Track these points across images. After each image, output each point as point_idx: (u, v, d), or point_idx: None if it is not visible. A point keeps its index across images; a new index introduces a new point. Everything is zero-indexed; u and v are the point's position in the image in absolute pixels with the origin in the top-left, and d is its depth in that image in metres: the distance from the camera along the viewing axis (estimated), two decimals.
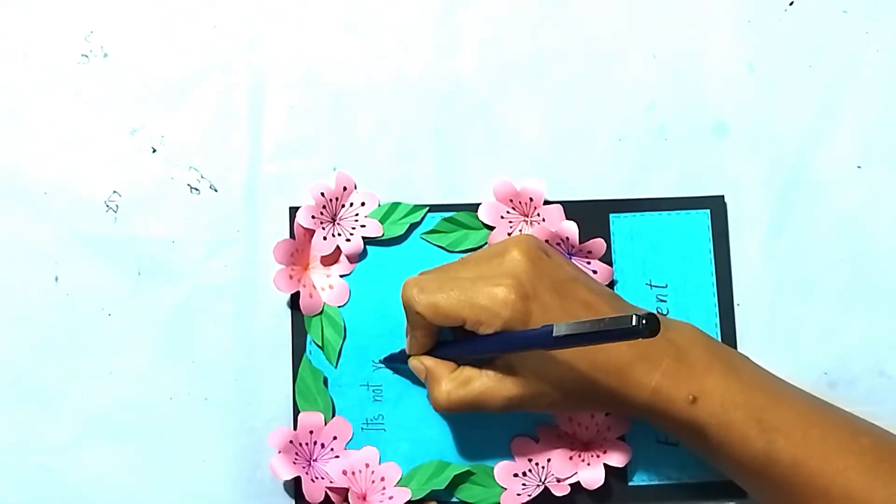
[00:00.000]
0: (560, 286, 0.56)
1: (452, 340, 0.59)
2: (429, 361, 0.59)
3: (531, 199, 0.63)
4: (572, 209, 0.63)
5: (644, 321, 0.46)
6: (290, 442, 0.60)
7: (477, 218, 0.63)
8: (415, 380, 0.62)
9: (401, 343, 0.62)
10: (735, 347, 0.63)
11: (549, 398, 0.57)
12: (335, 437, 0.61)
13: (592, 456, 0.60)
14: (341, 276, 0.63)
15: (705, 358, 0.57)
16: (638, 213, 0.64)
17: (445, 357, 0.59)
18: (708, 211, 0.64)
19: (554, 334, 0.49)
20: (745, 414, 0.55)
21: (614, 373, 0.55)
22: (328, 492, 0.60)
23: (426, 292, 0.56)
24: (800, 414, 0.56)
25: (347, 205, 0.63)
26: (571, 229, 0.62)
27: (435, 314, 0.56)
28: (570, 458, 0.60)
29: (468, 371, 0.58)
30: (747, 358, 0.59)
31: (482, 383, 0.57)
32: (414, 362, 0.60)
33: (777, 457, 0.55)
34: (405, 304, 0.57)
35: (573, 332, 0.49)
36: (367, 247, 0.63)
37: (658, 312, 0.62)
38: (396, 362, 0.62)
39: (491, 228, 0.63)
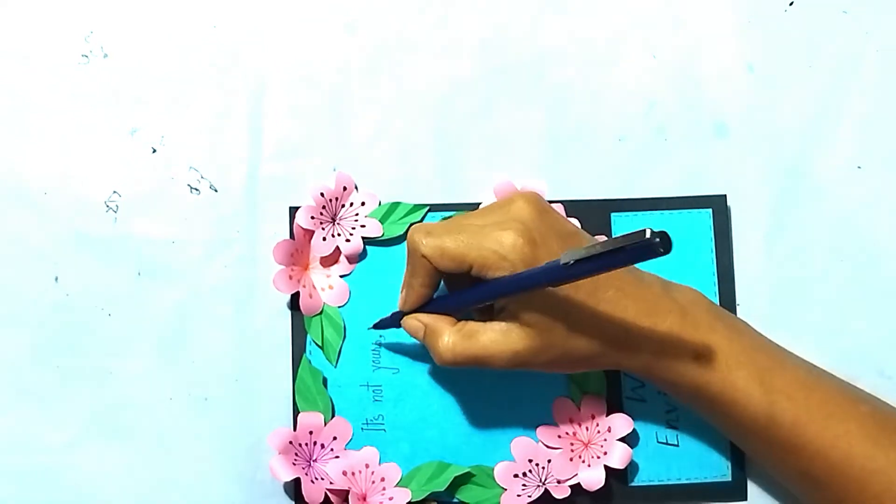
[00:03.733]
0: (566, 237, 0.56)
1: (454, 293, 0.58)
2: (426, 318, 0.58)
3: None
4: (574, 208, 0.63)
5: (657, 239, 0.44)
6: (290, 443, 0.60)
7: None
8: (408, 346, 0.62)
9: (404, 340, 0.62)
10: None
11: (554, 352, 0.55)
12: (335, 438, 0.61)
13: (593, 457, 0.60)
14: (341, 277, 0.63)
15: (708, 318, 0.57)
16: (640, 213, 0.64)
17: (444, 311, 0.58)
18: (710, 210, 0.64)
19: (563, 262, 0.48)
20: (748, 374, 0.56)
21: (620, 327, 0.55)
22: (328, 493, 0.60)
23: (433, 235, 0.56)
24: (801, 378, 0.57)
25: (347, 205, 0.63)
26: None
27: (441, 257, 0.55)
28: (571, 458, 0.60)
29: (471, 325, 0.57)
30: (747, 323, 0.60)
31: (488, 337, 0.56)
32: (410, 321, 0.59)
33: (779, 418, 0.55)
34: (410, 248, 0.56)
35: (586, 256, 0.47)
36: (367, 247, 0.63)
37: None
38: (388, 327, 0.61)
39: None
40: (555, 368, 0.57)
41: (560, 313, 0.55)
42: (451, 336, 0.56)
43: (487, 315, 0.57)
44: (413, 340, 0.62)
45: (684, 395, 0.58)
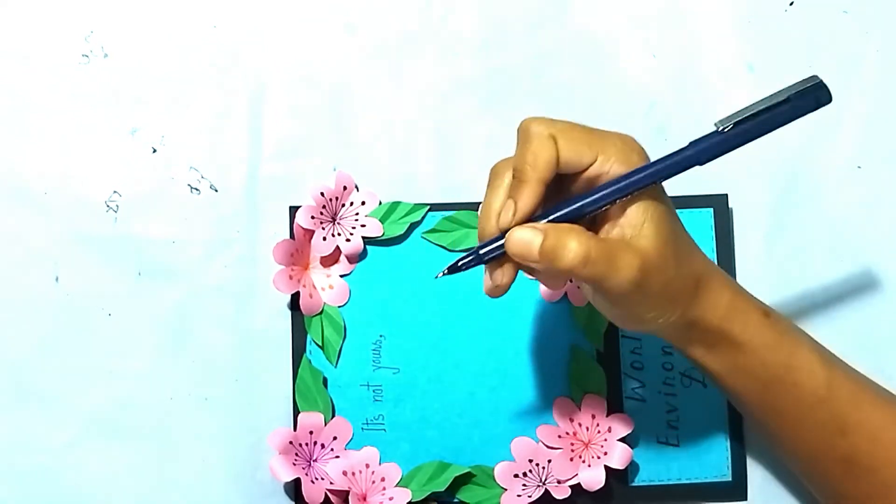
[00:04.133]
0: None
1: (579, 196, 0.50)
2: (543, 224, 0.49)
3: None
4: None
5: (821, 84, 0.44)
6: (290, 443, 0.60)
7: (478, 217, 0.63)
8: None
9: (404, 340, 0.62)
10: None
11: (668, 273, 0.50)
12: (335, 438, 0.61)
13: (593, 457, 0.60)
14: (341, 276, 0.63)
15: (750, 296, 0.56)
16: None
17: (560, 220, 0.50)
18: (711, 210, 0.64)
19: (719, 128, 0.47)
20: (809, 346, 0.55)
21: (709, 262, 0.54)
22: (328, 493, 0.60)
23: (555, 124, 0.49)
24: (841, 359, 0.57)
25: (347, 204, 0.63)
26: None
27: (570, 140, 0.48)
28: (571, 458, 0.60)
29: (592, 235, 0.49)
30: None
31: (615, 243, 0.49)
32: (524, 231, 0.48)
33: (837, 392, 0.55)
34: (530, 132, 0.49)
35: (750, 113, 0.46)
36: (368, 247, 0.63)
37: None
38: (470, 266, 0.51)
39: None
40: (656, 305, 0.51)
41: (672, 229, 0.51)
42: (584, 239, 0.48)
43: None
44: (413, 340, 0.62)
45: (749, 358, 0.54)
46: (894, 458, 0.54)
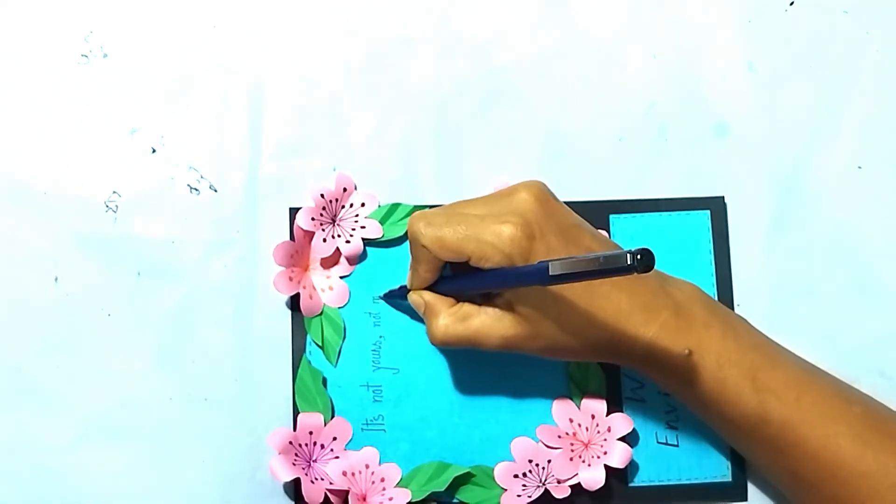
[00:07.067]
0: (566, 230, 0.56)
1: (452, 276, 0.60)
2: (428, 296, 0.59)
3: None
4: (573, 209, 0.63)
5: (639, 257, 0.46)
6: (290, 443, 0.60)
7: None
8: (414, 316, 0.62)
9: (404, 340, 0.62)
10: None
11: (545, 340, 0.57)
12: (335, 438, 0.61)
13: (593, 457, 0.60)
14: (341, 278, 0.63)
15: (704, 315, 0.57)
16: (638, 214, 0.64)
17: (445, 293, 0.59)
18: (708, 211, 0.64)
19: (550, 273, 0.49)
20: (739, 372, 0.56)
21: (612, 320, 0.56)
22: (328, 493, 0.60)
23: (433, 226, 0.56)
24: (794, 377, 0.57)
25: (347, 206, 0.63)
26: None
27: (440, 248, 0.56)
28: (571, 458, 0.60)
29: (467, 307, 0.58)
30: (745, 320, 0.60)
31: (480, 320, 0.57)
32: (413, 297, 0.60)
33: (769, 417, 0.56)
34: (411, 237, 0.57)
35: (568, 271, 0.49)
36: (367, 248, 0.63)
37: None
38: (396, 298, 0.62)
39: None
40: (546, 355, 0.58)
41: (552, 307, 0.55)
42: (445, 318, 0.58)
43: (487, 297, 0.58)
44: (413, 340, 0.62)
45: (676, 389, 0.59)
46: (837, 475, 0.55)
